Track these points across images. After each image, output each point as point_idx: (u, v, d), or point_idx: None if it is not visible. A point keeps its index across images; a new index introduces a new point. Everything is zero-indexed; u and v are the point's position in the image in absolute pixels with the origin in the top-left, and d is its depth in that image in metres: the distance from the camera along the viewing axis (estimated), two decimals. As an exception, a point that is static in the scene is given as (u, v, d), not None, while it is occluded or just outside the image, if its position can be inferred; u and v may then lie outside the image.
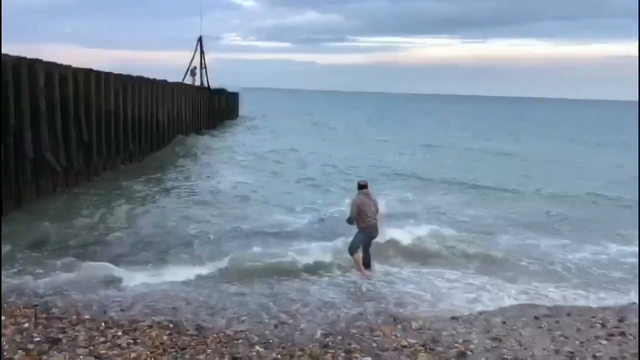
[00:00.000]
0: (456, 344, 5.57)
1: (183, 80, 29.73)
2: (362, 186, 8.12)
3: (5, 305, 6.05)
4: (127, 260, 8.10)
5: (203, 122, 28.18)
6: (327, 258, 8.20)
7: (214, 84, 33.63)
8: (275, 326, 5.94)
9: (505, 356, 5.36)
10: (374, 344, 5.52)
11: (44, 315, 5.86)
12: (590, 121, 63.97)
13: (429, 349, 5.43)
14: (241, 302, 6.63)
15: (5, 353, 4.95)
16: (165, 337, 5.46)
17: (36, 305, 6.14)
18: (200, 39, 33.01)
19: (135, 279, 7.19)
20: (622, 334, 5.96)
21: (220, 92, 34.55)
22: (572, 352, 5.49)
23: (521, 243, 9.66)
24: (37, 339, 5.27)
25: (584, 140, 35.03)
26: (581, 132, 42.83)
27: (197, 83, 31.89)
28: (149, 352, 5.09)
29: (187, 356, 5.09)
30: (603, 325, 6.23)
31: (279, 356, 5.18)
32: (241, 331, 5.75)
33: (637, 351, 5.49)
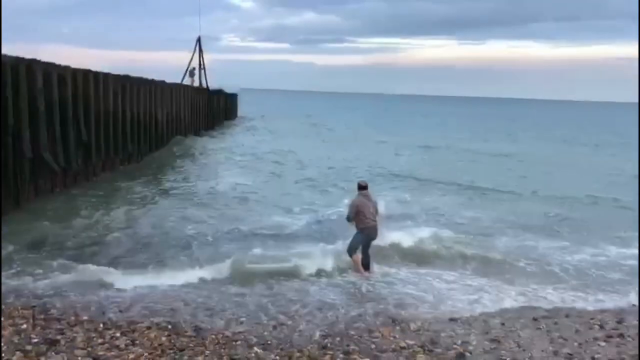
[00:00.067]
0: (455, 346, 5.57)
1: (182, 81, 29.73)
2: (362, 187, 8.12)
3: (3, 307, 6.03)
4: (126, 262, 8.09)
5: (202, 123, 28.17)
6: (326, 259, 8.18)
7: (213, 84, 33.66)
8: (274, 327, 5.93)
9: (504, 357, 5.37)
10: (373, 346, 5.52)
11: (42, 317, 5.84)
12: (589, 123, 64.08)
13: (428, 350, 5.43)
14: (240, 303, 6.62)
15: (3, 354, 4.93)
16: (163, 339, 5.45)
17: (34, 307, 6.13)
18: (199, 40, 33.02)
19: (133, 280, 7.17)
20: (621, 335, 5.97)
21: (219, 92, 34.55)
22: (570, 354, 5.50)
23: (519, 245, 9.67)
24: (35, 340, 5.26)
25: (583, 141, 35.11)
26: (580, 133, 42.92)
27: (196, 84, 31.88)
28: (147, 354, 5.08)
29: (186, 357, 5.08)
30: (602, 327, 6.24)
31: (277, 357, 5.17)
32: (240, 332, 5.74)
33: (637, 353, 5.50)
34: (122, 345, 5.24)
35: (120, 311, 6.18)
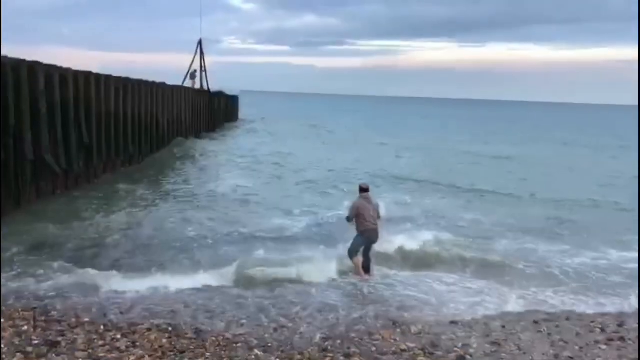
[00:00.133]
0: (455, 348, 5.57)
1: (183, 83, 29.80)
2: (363, 190, 8.12)
3: (4, 308, 6.03)
4: (126, 264, 8.09)
5: (203, 125, 28.21)
6: (326, 262, 8.19)
7: (213, 87, 33.71)
8: (275, 330, 5.93)
9: (505, 361, 5.36)
10: (373, 348, 5.51)
11: (43, 318, 5.85)
12: (589, 125, 64.14)
13: (428, 353, 5.43)
14: (240, 306, 6.62)
15: (4, 356, 4.94)
16: (164, 341, 5.45)
17: (35, 308, 6.13)
18: (200, 42, 33.09)
19: (134, 282, 7.17)
20: (622, 339, 5.97)
21: (220, 95, 34.61)
22: (571, 357, 5.50)
23: (520, 247, 9.67)
24: (36, 342, 5.26)
25: (583, 144, 35.12)
26: (580, 136, 42.93)
27: (197, 86, 31.94)
28: (148, 356, 5.09)
29: (186, 360, 5.09)
30: (602, 330, 6.24)
31: (278, 360, 5.17)
32: (240, 335, 5.74)
33: (637, 356, 5.50)
34: (123, 347, 5.24)
35: (121, 313, 6.18)
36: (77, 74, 12.74)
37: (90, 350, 5.15)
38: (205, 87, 32.83)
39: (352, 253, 7.96)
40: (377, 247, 8.22)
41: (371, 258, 8.11)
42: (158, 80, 19.73)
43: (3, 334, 5.36)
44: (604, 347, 5.77)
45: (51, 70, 11.43)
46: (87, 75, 13.35)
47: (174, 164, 18.31)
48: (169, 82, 21.80)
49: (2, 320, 5.67)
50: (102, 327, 5.71)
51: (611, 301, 7.38)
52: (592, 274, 8.42)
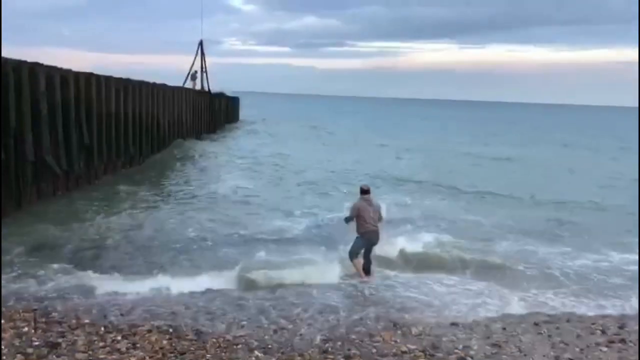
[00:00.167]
0: (456, 350, 5.57)
1: (184, 84, 29.83)
2: (364, 191, 8.12)
3: (4, 309, 6.04)
4: (127, 265, 8.10)
5: (204, 126, 28.23)
6: (327, 263, 8.20)
7: (214, 88, 33.74)
8: (275, 331, 5.93)
9: (505, 362, 5.36)
10: (374, 350, 5.51)
11: (43, 319, 5.85)
12: (589, 126, 64.17)
13: (429, 355, 5.42)
14: (241, 307, 6.62)
15: (4, 357, 4.94)
16: (164, 342, 5.45)
17: (35, 309, 6.13)
18: (201, 43, 33.12)
19: (134, 284, 7.17)
20: (623, 340, 5.96)
21: (221, 96, 34.64)
22: (572, 359, 5.49)
23: (520, 249, 9.66)
24: (37, 343, 5.26)
25: (583, 145, 35.13)
26: (580, 137, 42.94)
27: (198, 87, 31.97)
28: (148, 357, 5.08)
29: (187, 361, 5.08)
30: (603, 332, 6.23)
31: (278, 362, 5.17)
32: (241, 336, 5.74)
33: (638, 358, 5.49)
34: (123, 349, 5.24)
35: (122, 314, 6.18)
36: (77, 75, 12.76)
37: (90, 352, 5.15)
38: (206, 88, 32.86)
39: (352, 255, 7.96)
40: (377, 248, 8.21)
41: (372, 260, 8.10)
42: (159, 81, 19.77)
43: (4, 334, 5.36)
44: (604, 349, 5.76)
45: (52, 72, 11.45)
46: (88, 76, 13.37)
47: (175, 165, 18.32)
48: (170, 83, 21.85)
49: (3, 322, 5.67)
50: (102, 328, 5.71)
51: (612, 303, 7.37)
52: (592, 275, 8.42)
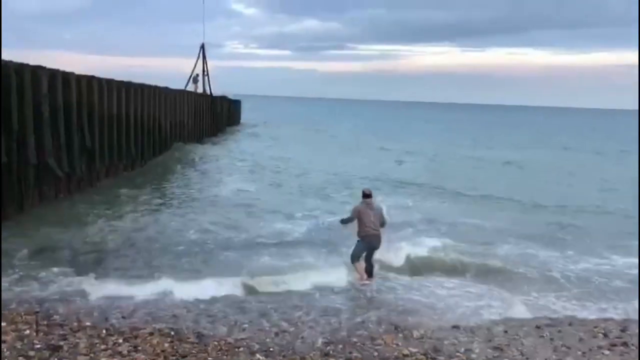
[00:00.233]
0: (458, 353, 5.55)
1: (186, 87, 29.93)
2: (366, 195, 8.12)
3: (6, 312, 6.04)
4: (128, 268, 8.10)
5: (205, 129, 28.29)
6: (328, 266, 8.20)
7: (215, 91, 33.85)
8: (276, 334, 5.92)
9: (507, 366, 5.35)
10: (375, 353, 5.50)
11: (45, 322, 5.84)
12: (589, 130, 64.14)
13: (431, 358, 5.41)
14: (242, 310, 6.61)
15: (6, 360, 4.94)
16: (166, 345, 5.44)
17: (37, 312, 6.13)
18: (202, 46, 33.25)
19: (135, 286, 7.17)
20: (625, 344, 5.94)
21: (223, 99, 34.75)
22: (574, 362, 5.48)
23: (521, 252, 9.65)
24: (38, 345, 5.26)
25: (583, 148, 35.12)
26: (580, 140, 42.95)
27: (200, 90, 32.08)
28: (149, 360, 5.08)
29: (188, 364, 5.08)
30: (605, 335, 6.21)
31: (280, 364, 5.16)
32: (242, 339, 5.73)
33: (640, 362, 5.48)
34: (125, 352, 5.23)
35: (123, 317, 6.18)
36: (79, 78, 12.80)
37: (92, 355, 5.14)
38: (208, 91, 32.96)
39: (354, 258, 7.96)
40: (378, 251, 8.21)
41: (374, 263, 8.10)
42: (161, 84, 19.83)
43: (5, 337, 5.37)
44: (606, 352, 5.74)
45: (54, 75, 11.48)
46: (90, 79, 13.41)
47: (176, 168, 18.35)
48: (172, 86, 21.91)
49: (5, 324, 5.67)
50: (104, 331, 5.71)
51: (614, 306, 7.36)
52: (594, 279, 8.40)
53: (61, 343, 5.34)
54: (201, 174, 17.92)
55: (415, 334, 6.01)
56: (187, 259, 8.60)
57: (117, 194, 13.28)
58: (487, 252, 9.48)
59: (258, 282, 7.57)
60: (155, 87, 18.93)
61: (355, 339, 5.83)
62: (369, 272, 7.97)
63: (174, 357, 5.18)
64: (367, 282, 7.82)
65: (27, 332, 5.55)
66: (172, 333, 5.77)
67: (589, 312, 7.11)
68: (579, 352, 5.72)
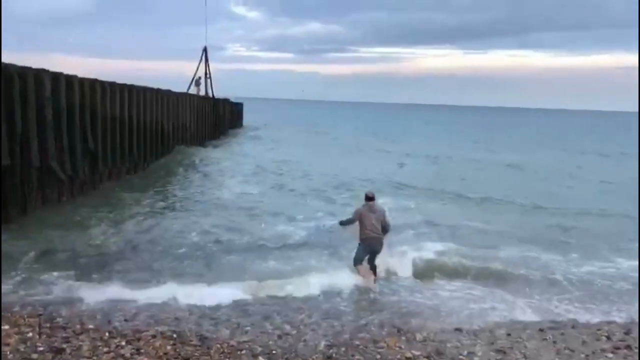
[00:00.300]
0: (460, 356, 5.55)
1: (188, 90, 29.99)
2: (368, 198, 8.12)
3: (9, 315, 6.05)
4: (131, 271, 8.09)
5: (208, 131, 28.32)
6: (331, 269, 8.19)
7: (218, 94, 33.91)
8: (279, 337, 5.92)
9: (510, 369, 5.33)
10: (378, 356, 5.50)
11: (47, 325, 5.85)
12: (589, 132, 64.02)
13: (434, 361, 5.41)
14: (245, 313, 6.62)
15: (9, 362, 4.95)
16: (168, 347, 5.45)
17: (40, 315, 6.15)
18: (205, 49, 33.30)
19: (138, 289, 7.17)
20: (628, 347, 5.93)
21: (225, 101, 34.81)
22: (577, 365, 5.46)
23: (524, 255, 9.62)
24: (41, 348, 5.27)
25: (584, 151, 35.05)
26: (581, 142, 42.82)
27: (202, 93, 32.14)
28: (152, 363, 5.08)
29: (191, 367, 5.08)
30: (609, 338, 6.19)
31: (282, 367, 5.16)
32: (244, 342, 5.73)
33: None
34: (128, 354, 5.24)
35: (126, 320, 6.19)
36: (82, 81, 12.84)
37: (95, 357, 5.15)
38: (210, 94, 33.02)
39: (356, 261, 7.97)
40: (382, 256, 8.19)
41: (377, 266, 8.10)
42: (163, 87, 19.87)
43: (8, 340, 5.38)
44: (610, 355, 5.73)
45: (57, 78, 11.53)
46: (93, 82, 13.45)
47: (179, 171, 18.37)
48: (174, 89, 21.95)
49: (8, 327, 5.68)
50: (106, 333, 5.72)
51: (617, 309, 7.34)
52: (598, 281, 8.37)
53: (64, 346, 5.35)
54: (203, 177, 17.93)
55: (418, 336, 6.01)
56: (189, 262, 8.61)
57: (119, 197, 13.30)
58: (490, 255, 9.44)
59: (260, 284, 7.55)
60: (158, 90, 18.97)
61: (357, 342, 5.83)
62: (373, 274, 7.97)
63: (177, 360, 5.18)
64: (369, 285, 7.80)
65: (30, 334, 5.57)
66: (175, 336, 5.77)
67: (592, 315, 7.08)
68: (582, 355, 5.70)
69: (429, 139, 40.10)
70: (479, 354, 5.63)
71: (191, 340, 5.68)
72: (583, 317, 6.98)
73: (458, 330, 6.28)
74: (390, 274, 8.31)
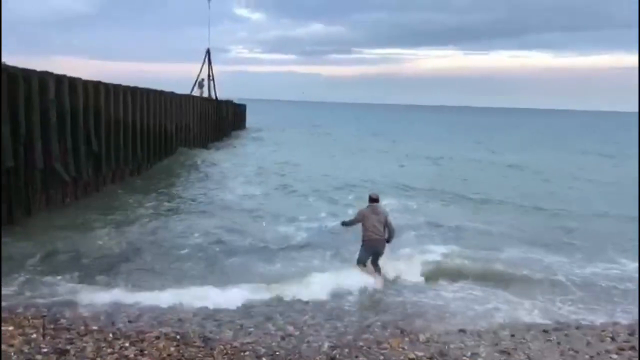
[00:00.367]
0: (464, 357, 5.54)
1: (191, 91, 30.08)
2: (372, 199, 8.12)
3: (13, 316, 6.08)
4: (134, 272, 8.12)
5: (211, 133, 28.38)
6: (334, 270, 8.19)
7: (221, 95, 33.99)
8: (282, 338, 5.92)
9: (514, 370, 5.32)
10: (382, 357, 5.49)
11: (52, 326, 5.87)
12: (590, 132, 63.82)
13: (437, 362, 5.40)
14: (248, 314, 6.62)
15: (13, 364, 4.97)
16: (172, 349, 5.46)
17: (44, 316, 6.17)
18: (208, 51, 33.38)
19: (141, 291, 7.19)
20: (633, 348, 5.90)
21: (228, 103, 34.88)
22: (581, 367, 5.44)
23: (527, 257, 9.59)
24: (45, 350, 5.29)
25: (585, 151, 34.94)
26: (582, 143, 42.67)
27: (205, 95, 32.21)
28: (156, 364, 5.09)
29: (195, 368, 5.09)
30: (613, 339, 6.17)
31: (286, 368, 5.16)
32: (248, 343, 5.74)
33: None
34: (131, 355, 5.26)
35: (130, 321, 6.20)
36: (86, 83, 12.89)
37: (99, 358, 5.17)
38: (213, 96, 33.09)
39: (360, 262, 7.99)
40: (385, 256, 8.19)
41: (380, 267, 8.10)
42: (167, 89, 19.93)
43: (12, 341, 5.40)
44: (614, 356, 5.71)
45: (61, 80, 11.58)
46: (96, 84, 13.51)
47: (182, 173, 18.42)
48: (178, 91, 22.02)
49: (12, 328, 5.71)
50: (110, 335, 5.73)
51: (622, 310, 7.30)
52: (602, 282, 8.35)
53: (68, 347, 5.37)
54: (206, 178, 17.97)
55: (422, 337, 6.00)
56: (192, 264, 8.62)
57: (123, 199, 13.35)
58: (492, 256, 9.42)
59: (263, 286, 7.55)
60: (161, 92, 19.02)
61: (361, 343, 5.83)
62: (378, 274, 7.97)
63: (180, 361, 5.19)
64: (373, 286, 7.79)
65: (34, 336, 5.58)
66: (178, 337, 5.79)
67: (596, 316, 7.05)
68: (587, 356, 5.68)
69: (431, 140, 40.08)
70: (483, 355, 5.61)
71: (194, 342, 5.69)
72: (587, 318, 6.96)
73: (462, 331, 6.27)
74: (392, 275, 8.29)
